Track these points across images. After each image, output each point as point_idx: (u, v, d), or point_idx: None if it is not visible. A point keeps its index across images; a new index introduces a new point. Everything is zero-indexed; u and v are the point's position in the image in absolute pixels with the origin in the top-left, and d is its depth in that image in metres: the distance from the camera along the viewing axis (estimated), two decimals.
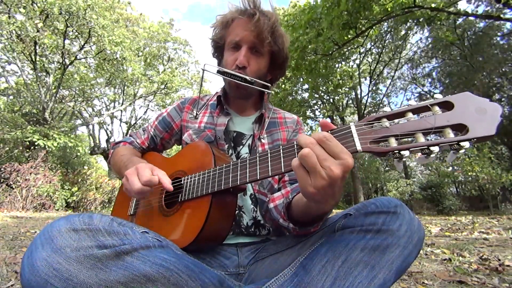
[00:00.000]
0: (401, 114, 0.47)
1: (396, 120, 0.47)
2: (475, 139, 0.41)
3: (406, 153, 0.45)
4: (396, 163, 0.47)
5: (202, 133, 0.90)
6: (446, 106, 0.45)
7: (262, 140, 0.90)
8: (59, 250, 0.41)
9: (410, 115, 0.47)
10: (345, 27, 7.96)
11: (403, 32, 12.57)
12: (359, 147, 0.47)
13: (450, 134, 0.43)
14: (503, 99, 13.37)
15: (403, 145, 0.45)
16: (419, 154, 0.45)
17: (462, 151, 0.42)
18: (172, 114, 0.99)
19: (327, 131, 0.51)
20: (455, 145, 0.42)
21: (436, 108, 0.45)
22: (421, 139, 0.44)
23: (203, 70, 0.85)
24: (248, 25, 0.83)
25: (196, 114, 0.95)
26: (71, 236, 0.43)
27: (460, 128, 0.43)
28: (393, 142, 0.46)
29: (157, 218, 0.76)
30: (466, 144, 0.42)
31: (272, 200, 0.78)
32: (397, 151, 0.45)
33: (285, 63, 0.95)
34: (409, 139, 0.46)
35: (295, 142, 0.54)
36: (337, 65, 13.36)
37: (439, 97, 0.46)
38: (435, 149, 0.43)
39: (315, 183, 0.46)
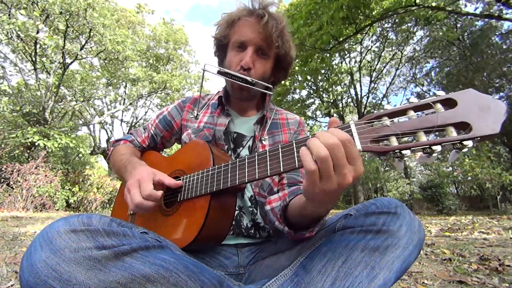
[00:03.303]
0: (402, 112, 0.46)
1: (397, 119, 0.46)
2: (478, 138, 0.40)
3: (407, 152, 0.43)
4: (396, 162, 0.46)
5: (200, 132, 0.89)
6: (449, 103, 0.43)
7: (263, 141, 0.88)
8: (58, 252, 0.41)
9: (411, 113, 0.45)
10: (345, 22, 7.95)
11: (403, 27, 12.51)
12: (359, 146, 0.46)
13: (453, 133, 0.41)
14: (502, 99, 13.35)
15: (404, 144, 0.43)
16: (421, 153, 0.43)
17: (465, 150, 0.41)
18: (173, 113, 0.98)
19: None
20: (458, 144, 0.41)
21: (439, 105, 0.43)
22: (423, 138, 0.42)
23: (203, 70, 0.83)
24: (256, 27, 0.81)
25: (197, 114, 0.94)
26: (70, 237, 0.43)
27: (463, 127, 0.41)
28: (394, 141, 0.44)
29: (157, 218, 0.76)
30: (469, 143, 0.40)
31: (269, 202, 0.77)
32: (398, 151, 0.44)
33: (289, 66, 0.93)
34: (410, 138, 0.44)
35: (293, 142, 0.53)
36: (335, 62, 13.33)
37: (441, 94, 0.44)
38: (437, 148, 0.41)
39: (324, 186, 0.44)
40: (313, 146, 0.44)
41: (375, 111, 0.50)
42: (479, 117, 0.40)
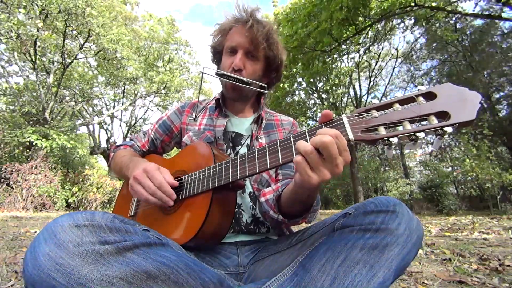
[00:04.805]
0: (389, 105, 0.51)
1: (384, 111, 0.51)
2: (457, 124, 0.45)
3: (394, 140, 0.48)
4: (386, 150, 0.50)
5: (202, 134, 0.92)
6: (430, 96, 0.49)
7: (260, 139, 0.93)
8: (62, 245, 0.42)
9: (397, 105, 0.50)
10: (345, 23, 7.99)
11: (402, 26, 12.49)
12: (351, 136, 0.51)
13: (434, 121, 0.46)
14: (502, 99, 13.36)
15: (392, 132, 0.49)
16: (407, 140, 0.48)
17: (445, 136, 0.46)
18: (172, 117, 1.02)
19: (322, 123, 0.55)
20: (439, 131, 0.45)
21: (421, 98, 0.49)
22: (408, 126, 0.47)
23: (202, 73, 0.88)
24: (243, 31, 0.88)
25: (196, 116, 0.98)
26: (73, 232, 0.44)
27: (443, 115, 0.46)
28: (382, 131, 0.49)
29: (158, 216, 0.77)
30: (449, 129, 0.45)
31: (263, 195, 0.82)
32: (386, 138, 0.49)
33: (280, 68, 1.00)
34: (397, 127, 0.50)
35: (291, 136, 0.57)
36: (335, 64, 13.33)
37: (423, 88, 0.50)
38: (421, 135, 0.46)
39: (318, 176, 0.50)
40: (299, 145, 0.51)
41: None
42: (457, 107, 0.46)
